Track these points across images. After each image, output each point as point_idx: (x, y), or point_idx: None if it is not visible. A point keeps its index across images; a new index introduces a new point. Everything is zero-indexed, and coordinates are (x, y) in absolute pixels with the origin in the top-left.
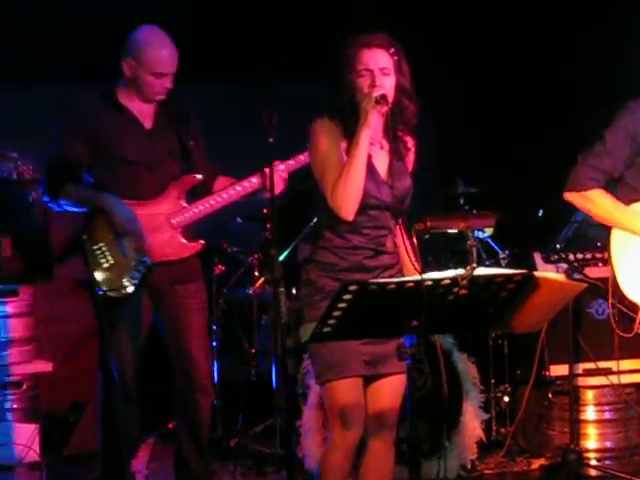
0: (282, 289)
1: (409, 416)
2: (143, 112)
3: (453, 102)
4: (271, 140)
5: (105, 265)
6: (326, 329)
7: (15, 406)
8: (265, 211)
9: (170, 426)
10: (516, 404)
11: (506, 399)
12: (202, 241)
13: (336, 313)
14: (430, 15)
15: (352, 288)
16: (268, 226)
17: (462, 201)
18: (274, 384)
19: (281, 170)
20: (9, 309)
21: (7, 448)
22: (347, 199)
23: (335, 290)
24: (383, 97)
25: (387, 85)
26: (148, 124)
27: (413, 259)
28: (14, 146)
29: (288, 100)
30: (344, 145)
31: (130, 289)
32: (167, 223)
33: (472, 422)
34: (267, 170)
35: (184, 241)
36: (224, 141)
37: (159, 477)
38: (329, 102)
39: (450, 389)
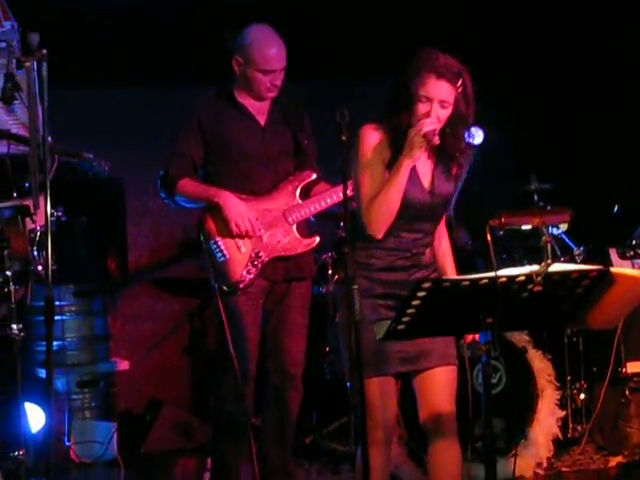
0: (356, 287)
1: (484, 414)
2: (258, 109)
3: (527, 98)
4: (344, 138)
5: (221, 260)
6: (400, 327)
7: (93, 404)
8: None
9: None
10: (592, 401)
11: (582, 396)
12: (317, 238)
13: (410, 310)
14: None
15: (426, 286)
16: (341, 224)
17: (536, 198)
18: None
19: None
20: (86, 308)
21: (86, 446)
22: (378, 221)
23: (367, 289)
24: (431, 135)
25: (442, 116)
26: (262, 121)
27: (451, 262)
28: (90, 146)
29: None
30: (387, 156)
31: (245, 283)
32: (283, 219)
33: (548, 419)
34: None
35: (300, 237)
36: None
37: None
38: (387, 109)
39: (525, 386)
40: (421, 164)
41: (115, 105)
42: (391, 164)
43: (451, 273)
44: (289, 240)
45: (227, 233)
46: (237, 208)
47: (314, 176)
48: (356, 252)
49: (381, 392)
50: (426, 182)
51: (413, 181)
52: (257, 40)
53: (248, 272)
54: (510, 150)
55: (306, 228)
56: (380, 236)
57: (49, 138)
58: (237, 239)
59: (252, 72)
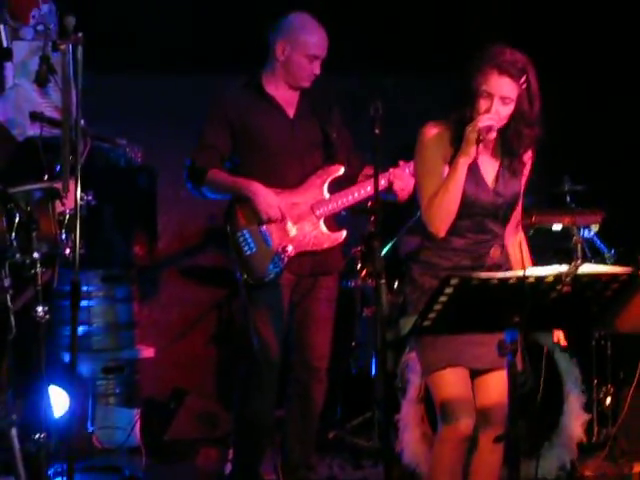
0: (384, 282)
1: (510, 414)
2: (287, 100)
3: (562, 99)
4: (377, 131)
5: (248, 252)
6: (426, 323)
7: (117, 390)
8: (369, 204)
9: None
10: (618, 406)
11: (608, 400)
12: (344, 232)
13: (437, 307)
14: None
15: (454, 282)
16: (372, 219)
17: (568, 199)
18: (374, 377)
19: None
20: (113, 294)
21: (108, 431)
22: (438, 219)
23: (433, 287)
24: (485, 131)
25: (503, 113)
26: (291, 113)
27: (527, 260)
28: (123, 132)
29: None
30: (449, 154)
31: (271, 277)
32: (311, 213)
33: (573, 422)
34: (402, 164)
35: (327, 231)
36: None
37: None
38: (450, 104)
39: (551, 388)
40: (485, 163)
41: (150, 91)
42: (452, 160)
43: None
44: (316, 234)
45: (255, 226)
46: (267, 198)
47: (342, 170)
48: (423, 251)
49: (456, 383)
50: (490, 181)
51: (477, 181)
52: (305, 25)
53: (275, 266)
54: (543, 150)
55: (334, 223)
56: (442, 234)
57: (82, 122)
58: (264, 232)
59: (298, 57)
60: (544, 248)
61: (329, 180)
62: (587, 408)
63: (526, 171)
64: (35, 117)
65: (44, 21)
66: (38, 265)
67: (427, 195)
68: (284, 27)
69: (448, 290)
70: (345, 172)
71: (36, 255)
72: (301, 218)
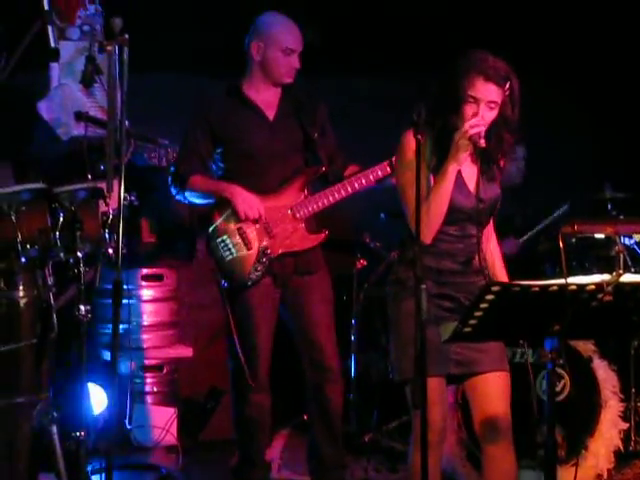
0: (424, 286)
1: (547, 421)
2: (267, 102)
3: (604, 107)
4: (419, 137)
5: (229, 258)
6: (467, 329)
7: (155, 389)
8: None
9: (305, 417)
10: None
11: None
12: (326, 232)
13: (477, 313)
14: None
15: (495, 289)
16: None
17: (610, 206)
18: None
19: None
20: (153, 293)
21: (145, 430)
22: (427, 227)
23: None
24: (477, 137)
25: (488, 118)
26: (272, 115)
27: (501, 264)
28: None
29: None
30: (431, 160)
31: (253, 280)
32: (290, 215)
33: (610, 431)
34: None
35: (307, 232)
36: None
37: (293, 467)
38: (431, 111)
39: (589, 396)
40: (466, 168)
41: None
42: (436, 167)
43: (501, 276)
44: (297, 236)
45: (234, 231)
46: (246, 199)
47: (322, 170)
48: (406, 252)
49: (436, 392)
50: (472, 186)
51: (459, 186)
52: (276, 22)
53: (256, 269)
54: (586, 158)
55: (314, 223)
56: (429, 241)
57: (126, 122)
58: (245, 236)
59: (273, 53)
60: (586, 255)
61: (310, 181)
62: (625, 417)
63: (500, 176)
64: (80, 117)
65: (90, 22)
66: (81, 264)
67: (413, 203)
68: (255, 28)
69: (489, 297)
70: (328, 170)
71: (79, 254)
72: (282, 221)
